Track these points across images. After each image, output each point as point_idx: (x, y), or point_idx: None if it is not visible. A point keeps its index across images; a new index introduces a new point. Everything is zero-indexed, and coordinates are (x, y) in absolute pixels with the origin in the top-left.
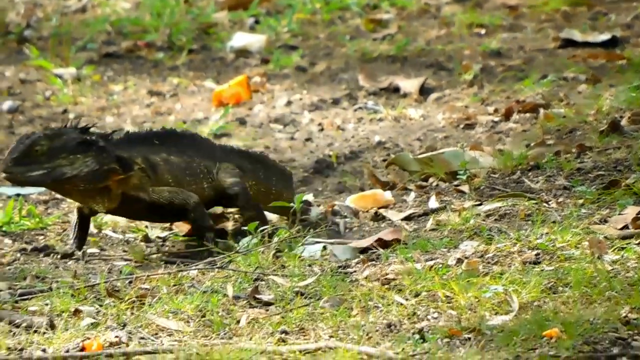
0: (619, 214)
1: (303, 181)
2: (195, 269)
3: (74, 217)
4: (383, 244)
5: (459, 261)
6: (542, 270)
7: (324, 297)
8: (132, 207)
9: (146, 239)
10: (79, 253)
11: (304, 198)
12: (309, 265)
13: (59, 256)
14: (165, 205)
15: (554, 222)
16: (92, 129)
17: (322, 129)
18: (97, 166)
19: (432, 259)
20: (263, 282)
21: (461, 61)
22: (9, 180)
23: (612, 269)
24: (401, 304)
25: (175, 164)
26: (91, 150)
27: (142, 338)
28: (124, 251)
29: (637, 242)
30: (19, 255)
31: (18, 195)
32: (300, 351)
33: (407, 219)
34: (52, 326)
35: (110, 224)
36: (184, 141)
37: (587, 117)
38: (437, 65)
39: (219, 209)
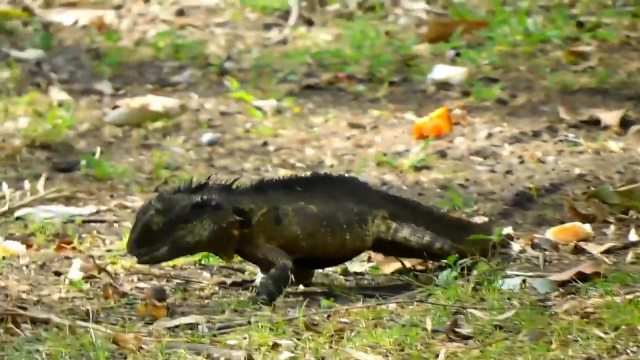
0: None
1: (503, 214)
2: (394, 302)
3: None
4: (582, 277)
5: None
6: None
7: (523, 331)
8: (244, 258)
9: (345, 272)
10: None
11: (504, 231)
12: (508, 299)
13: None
14: (261, 260)
15: None
16: (210, 182)
17: (522, 162)
18: (215, 226)
19: (631, 292)
20: (462, 316)
21: None
22: (140, 264)
23: None
24: (600, 338)
25: (311, 215)
26: (205, 212)
27: None
28: (322, 284)
29: None
30: (217, 288)
31: None
32: None
33: (607, 252)
34: None
35: None
36: (336, 187)
37: None
38: (637, 97)
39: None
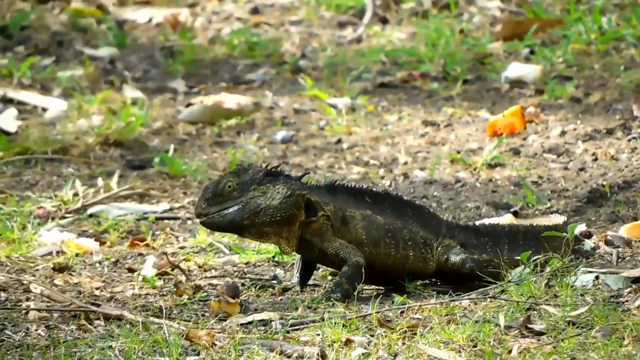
0: None
1: (576, 211)
2: (467, 299)
3: (298, 255)
4: None
5: None
6: None
7: (595, 327)
8: (308, 251)
9: None
10: (298, 288)
11: (577, 228)
12: (581, 295)
13: (280, 289)
14: (331, 255)
15: None
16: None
17: (595, 159)
18: (288, 192)
19: None
20: (535, 312)
21: None
22: (205, 225)
23: None
24: None
25: (377, 224)
26: (280, 179)
27: None
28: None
29: None
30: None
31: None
32: None
33: None
34: (323, 356)
35: None
36: (406, 209)
37: None
38: None
39: None
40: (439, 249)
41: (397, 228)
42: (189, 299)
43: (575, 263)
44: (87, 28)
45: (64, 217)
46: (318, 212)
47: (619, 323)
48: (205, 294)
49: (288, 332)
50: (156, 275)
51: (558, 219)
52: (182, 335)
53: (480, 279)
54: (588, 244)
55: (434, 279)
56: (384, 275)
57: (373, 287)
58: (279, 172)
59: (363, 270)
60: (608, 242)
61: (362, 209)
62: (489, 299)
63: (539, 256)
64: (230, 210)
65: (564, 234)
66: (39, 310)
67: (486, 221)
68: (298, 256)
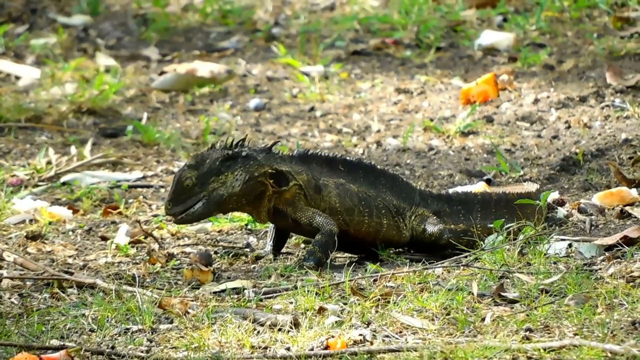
0: None
1: (549, 179)
2: (440, 267)
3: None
4: (628, 241)
5: None
6: None
7: (569, 295)
8: (281, 220)
9: None
10: (271, 256)
11: (550, 196)
12: (554, 263)
13: (253, 257)
14: (304, 224)
15: None
16: (245, 144)
17: (569, 127)
18: (247, 176)
19: None
20: (508, 280)
21: None
22: (178, 224)
23: None
24: None
25: (350, 192)
26: (236, 163)
27: (387, 336)
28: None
29: None
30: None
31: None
32: (544, 349)
33: None
34: (296, 324)
35: None
36: (380, 178)
37: None
38: None
39: None
40: (413, 218)
41: (370, 196)
42: (161, 267)
43: (548, 231)
44: None
45: (37, 185)
46: (290, 182)
47: (592, 291)
48: (178, 262)
49: (261, 300)
50: (129, 243)
51: (531, 187)
52: (155, 303)
53: (454, 247)
54: (561, 211)
55: (407, 248)
56: (358, 244)
57: (346, 255)
58: (236, 155)
59: (336, 238)
60: (581, 210)
61: (336, 178)
62: (462, 267)
63: (512, 224)
64: (196, 207)
65: (537, 201)
66: (12, 278)
67: (459, 189)
68: (272, 225)
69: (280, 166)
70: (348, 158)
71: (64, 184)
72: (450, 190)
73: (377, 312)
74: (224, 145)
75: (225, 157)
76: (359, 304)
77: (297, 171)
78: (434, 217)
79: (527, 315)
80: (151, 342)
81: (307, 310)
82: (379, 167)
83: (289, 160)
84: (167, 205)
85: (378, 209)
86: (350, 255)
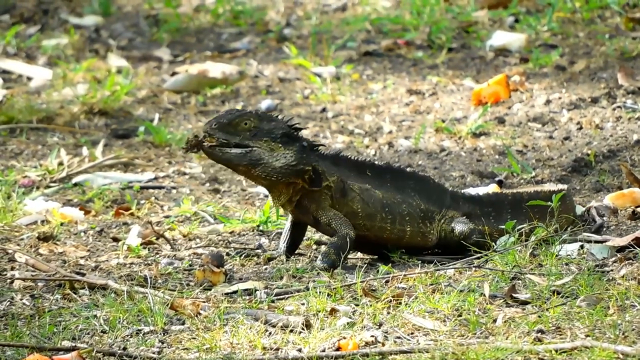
0: None
1: (561, 180)
2: (452, 268)
3: (287, 223)
4: None
5: None
6: None
7: (580, 296)
8: (302, 214)
9: None
10: (283, 257)
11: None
12: (566, 264)
13: (265, 258)
14: (324, 224)
15: None
16: (302, 133)
17: (580, 128)
18: (294, 162)
19: None
20: (520, 281)
21: None
22: (205, 152)
23: None
24: None
25: (374, 198)
26: (294, 145)
27: (398, 337)
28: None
29: None
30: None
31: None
32: (556, 350)
33: None
34: (308, 325)
35: None
36: (408, 182)
37: None
38: None
39: None
40: (443, 220)
41: (395, 202)
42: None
43: (560, 232)
44: None
45: (48, 186)
46: (322, 183)
47: (604, 292)
48: (190, 263)
49: (273, 301)
50: (141, 244)
51: (561, 186)
52: (167, 305)
53: (481, 248)
54: (579, 208)
55: (435, 250)
56: (380, 247)
57: (358, 256)
58: (297, 138)
59: (350, 242)
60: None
61: (361, 182)
62: (473, 268)
63: (524, 225)
64: (232, 151)
65: (569, 200)
66: (23, 279)
67: (471, 190)
68: (287, 225)
69: (320, 166)
70: (376, 162)
71: (75, 185)
72: (481, 192)
73: (388, 313)
74: (290, 121)
75: (288, 132)
76: (371, 305)
77: (330, 173)
78: (464, 217)
79: (539, 316)
80: (163, 343)
81: (319, 311)
82: (408, 170)
83: (324, 159)
84: (211, 124)
85: (402, 216)
86: (361, 256)
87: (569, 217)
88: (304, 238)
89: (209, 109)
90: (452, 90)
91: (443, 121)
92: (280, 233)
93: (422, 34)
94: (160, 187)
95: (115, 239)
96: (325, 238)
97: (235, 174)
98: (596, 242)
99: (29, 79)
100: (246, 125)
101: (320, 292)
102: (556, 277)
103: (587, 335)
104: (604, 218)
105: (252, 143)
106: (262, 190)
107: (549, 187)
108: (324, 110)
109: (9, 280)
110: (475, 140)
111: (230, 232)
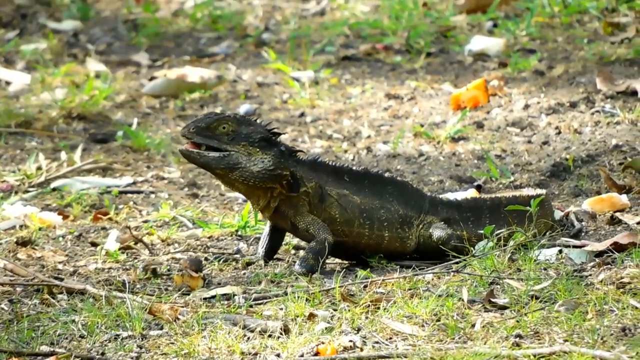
0: None
1: (540, 184)
2: (430, 273)
3: (266, 227)
4: (619, 247)
5: None
6: None
7: (559, 301)
8: (280, 220)
9: None
10: (262, 262)
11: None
12: (545, 269)
13: (244, 263)
14: (302, 229)
15: None
16: (281, 137)
17: (559, 132)
18: (271, 167)
19: None
20: (498, 286)
21: None
22: (183, 154)
23: None
24: (636, 308)
25: (352, 204)
26: (272, 150)
27: (377, 342)
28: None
29: None
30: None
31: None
32: (534, 355)
33: None
34: (286, 330)
35: None
36: (387, 187)
37: None
38: None
39: None
40: (421, 226)
41: (373, 208)
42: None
43: (538, 237)
44: (50, 1)
45: (27, 191)
46: (300, 188)
47: (582, 297)
48: (168, 268)
49: (251, 306)
50: (119, 249)
51: (540, 190)
52: (145, 310)
53: (459, 253)
54: (558, 213)
55: (413, 255)
56: (358, 253)
57: (336, 261)
58: (275, 143)
59: (328, 247)
60: (571, 216)
61: (340, 188)
62: (452, 273)
63: (503, 230)
64: (210, 155)
65: (548, 204)
66: (2, 284)
67: (450, 195)
68: (265, 230)
69: (298, 171)
70: (354, 168)
71: (54, 189)
72: (459, 197)
73: (367, 318)
74: (269, 126)
75: (266, 137)
76: (349, 310)
77: (308, 178)
78: (442, 223)
79: (517, 321)
80: (141, 348)
81: (297, 316)
82: (387, 175)
83: (302, 165)
84: (189, 128)
85: (380, 221)
86: (340, 261)
87: (547, 222)
88: (283, 243)
89: (187, 114)
90: (430, 95)
91: (422, 126)
92: (259, 238)
93: (401, 38)
94: (138, 192)
95: (94, 244)
96: (304, 243)
97: (213, 178)
98: (575, 247)
99: (8, 83)
100: (224, 129)
101: (298, 297)
102: (535, 282)
103: (566, 340)
104: (583, 223)
105: (230, 147)
106: (240, 195)
107: (527, 191)
108: (302, 114)
109: None
110: (454, 145)
111: (209, 237)
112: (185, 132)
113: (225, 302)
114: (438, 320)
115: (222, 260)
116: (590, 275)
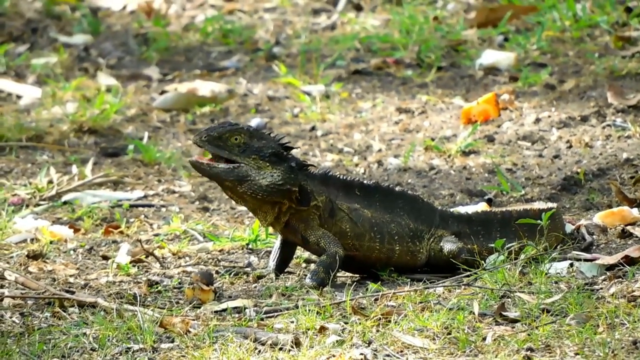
0: None
1: (550, 198)
2: (441, 286)
3: (277, 241)
4: (630, 260)
5: None
6: None
7: (570, 314)
8: (291, 234)
9: None
10: (273, 275)
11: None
12: (556, 282)
13: (255, 276)
14: (312, 243)
15: None
16: (292, 152)
17: (570, 146)
18: (280, 181)
19: None
20: (509, 299)
21: None
22: (192, 165)
23: None
24: None
25: (363, 217)
26: (282, 165)
27: (387, 355)
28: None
29: None
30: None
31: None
32: None
33: None
34: (297, 343)
35: None
36: (397, 201)
37: None
38: None
39: None
40: (432, 240)
41: (384, 222)
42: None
43: (549, 251)
44: (61, 15)
45: (38, 205)
46: (311, 202)
47: (593, 310)
48: (179, 281)
49: (262, 319)
50: (130, 262)
51: (551, 204)
52: (156, 323)
53: (470, 267)
54: (569, 227)
55: (424, 269)
56: (369, 267)
57: (347, 274)
58: (286, 158)
59: (339, 260)
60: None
61: (350, 202)
62: (463, 287)
63: (514, 243)
64: (220, 166)
65: (559, 218)
66: (13, 297)
67: (460, 209)
68: (277, 243)
69: (308, 185)
70: (365, 182)
71: (65, 203)
72: (470, 210)
73: (378, 331)
74: (281, 140)
75: (277, 152)
76: (360, 323)
77: (318, 192)
78: (452, 236)
79: (529, 334)
80: None
81: (308, 329)
82: (397, 189)
83: (313, 179)
84: (202, 136)
85: (391, 235)
86: (351, 274)
87: (558, 235)
88: (294, 256)
89: (198, 127)
90: (441, 109)
91: (432, 139)
92: (270, 251)
93: (412, 52)
94: (149, 205)
95: (105, 257)
96: (314, 257)
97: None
98: (586, 260)
99: (19, 97)
100: (236, 141)
101: (309, 310)
102: (546, 296)
103: (577, 354)
104: (594, 236)
105: (240, 159)
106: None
107: (538, 205)
108: (313, 128)
109: None
110: (465, 159)
111: (220, 250)
112: (197, 139)
113: (236, 315)
114: (449, 333)
115: (233, 273)
116: (601, 288)
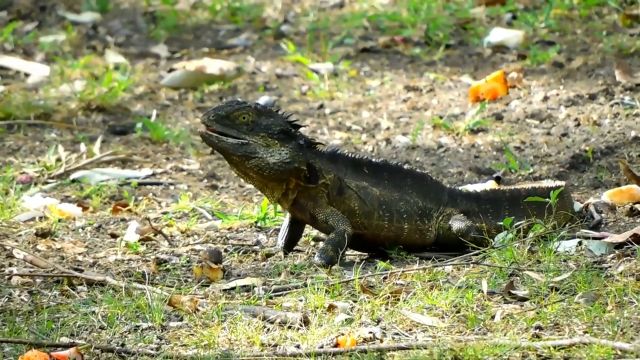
0: None
1: (559, 176)
2: (450, 265)
3: (286, 219)
4: (638, 239)
5: None
6: None
7: (578, 293)
8: (300, 212)
9: None
10: (281, 254)
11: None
12: (564, 261)
13: (263, 255)
14: (321, 221)
15: None
16: (301, 130)
17: (578, 124)
18: (288, 159)
19: None
20: (518, 278)
21: None
22: (202, 137)
23: None
24: None
25: (371, 196)
26: (290, 143)
27: (396, 334)
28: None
29: None
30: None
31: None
32: (554, 347)
33: None
34: (306, 322)
35: None
36: (406, 179)
37: None
38: None
39: None
40: (441, 218)
41: (392, 200)
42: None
43: (558, 229)
44: None
45: (46, 183)
46: (319, 180)
47: (602, 289)
48: (188, 259)
49: (271, 297)
50: (139, 240)
51: (559, 182)
52: (165, 301)
53: (479, 245)
54: (577, 205)
55: (433, 247)
56: (377, 245)
57: (356, 252)
58: (294, 135)
59: (347, 238)
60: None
61: (359, 180)
62: (471, 265)
63: (522, 221)
64: (229, 140)
65: (567, 196)
66: (21, 275)
67: (469, 187)
68: (285, 221)
69: (316, 163)
70: (374, 160)
71: (73, 181)
72: (478, 188)
73: (386, 309)
74: (289, 118)
75: (285, 129)
76: (369, 302)
77: (327, 170)
78: (461, 215)
79: (537, 313)
80: (161, 339)
81: (317, 307)
82: (406, 167)
83: (321, 157)
84: (209, 115)
85: (399, 213)
86: (359, 253)
87: (567, 213)
88: (302, 235)
89: (206, 105)
90: (449, 87)
91: (441, 117)
92: (278, 229)
93: (420, 30)
94: (158, 184)
95: (113, 235)
96: (323, 235)
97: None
98: (594, 238)
99: (27, 75)
100: (244, 119)
101: (318, 289)
102: (554, 274)
103: (585, 332)
104: (602, 215)
105: (249, 137)
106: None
107: (546, 183)
108: (321, 106)
109: (7, 277)
110: (473, 137)
111: (228, 229)
112: (205, 118)
113: (245, 294)
114: (458, 311)
115: (241, 251)
116: (609, 266)
